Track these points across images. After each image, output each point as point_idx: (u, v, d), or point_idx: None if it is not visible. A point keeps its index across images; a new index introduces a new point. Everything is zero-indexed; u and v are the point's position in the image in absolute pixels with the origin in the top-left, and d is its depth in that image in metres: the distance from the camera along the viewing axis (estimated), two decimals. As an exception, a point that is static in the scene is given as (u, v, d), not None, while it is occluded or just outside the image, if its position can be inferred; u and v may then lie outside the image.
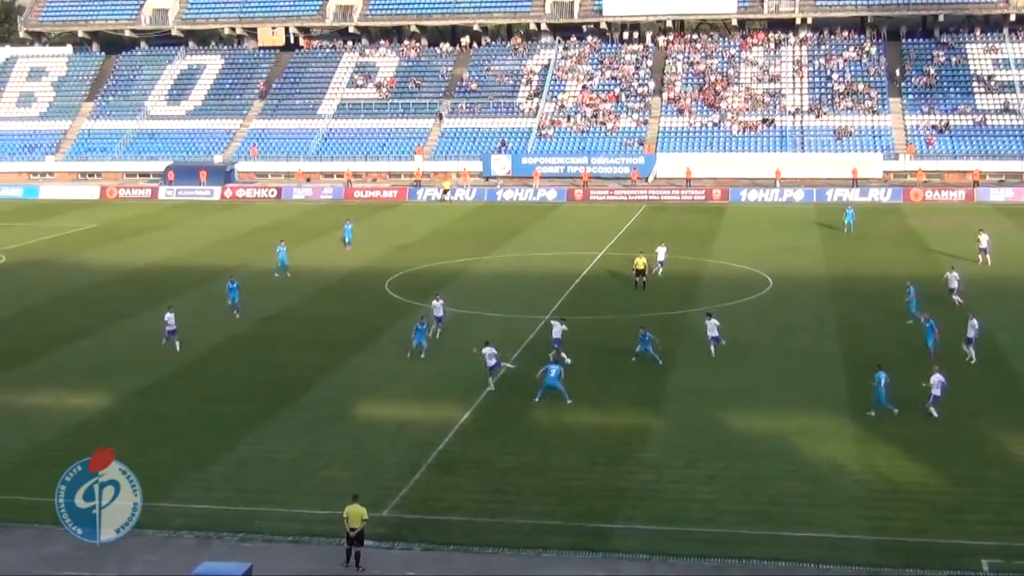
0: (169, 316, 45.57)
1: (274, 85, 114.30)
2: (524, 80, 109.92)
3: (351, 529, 26.98)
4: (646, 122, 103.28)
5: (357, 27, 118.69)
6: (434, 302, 47.69)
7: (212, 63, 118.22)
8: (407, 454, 33.86)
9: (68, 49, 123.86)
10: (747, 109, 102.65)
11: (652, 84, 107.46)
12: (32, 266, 65.83)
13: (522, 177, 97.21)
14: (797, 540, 27.82)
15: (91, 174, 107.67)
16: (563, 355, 41.70)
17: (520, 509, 29.94)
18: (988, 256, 60.27)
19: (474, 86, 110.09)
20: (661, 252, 59.31)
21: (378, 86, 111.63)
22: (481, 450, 34.24)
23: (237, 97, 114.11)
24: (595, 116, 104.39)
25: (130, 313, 52.55)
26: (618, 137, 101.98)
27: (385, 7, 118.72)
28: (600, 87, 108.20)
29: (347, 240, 68.21)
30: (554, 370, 38.42)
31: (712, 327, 43.45)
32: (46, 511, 29.82)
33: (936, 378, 36.30)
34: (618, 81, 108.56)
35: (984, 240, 60.78)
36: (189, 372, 43.20)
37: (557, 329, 43.32)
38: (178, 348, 45.15)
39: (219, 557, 26.97)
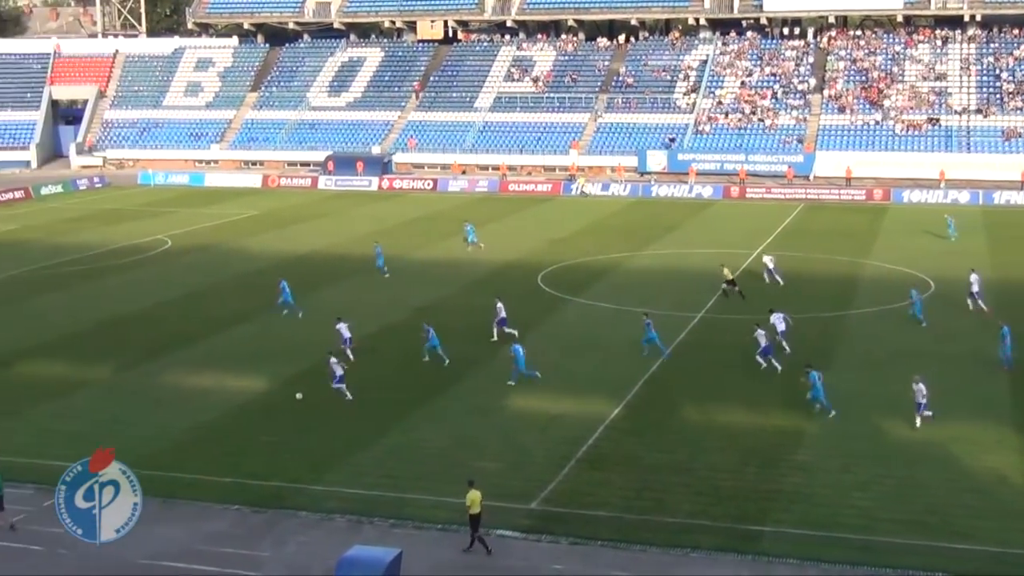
0: (342, 326, 44.28)
1: (432, 78, 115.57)
2: (681, 75, 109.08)
3: (475, 515, 27.42)
4: (805, 119, 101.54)
5: (515, 21, 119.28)
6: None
7: (372, 55, 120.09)
8: (556, 448, 33.97)
9: (234, 40, 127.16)
10: (911, 108, 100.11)
11: (812, 81, 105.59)
12: (195, 251, 67.80)
13: (678, 173, 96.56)
14: (956, 552, 27.09)
15: (254, 163, 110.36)
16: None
17: (669, 507, 29.79)
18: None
19: (631, 81, 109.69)
20: (769, 261, 57.35)
21: (535, 80, 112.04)
22: (631, 446, 34.16)
23: (396, 89, 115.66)
24: (753, 113, 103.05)
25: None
26: (776, 134, 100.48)
27: (543, 1, 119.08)
28: (759, 83, 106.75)
29: (471, 240, 68.32)
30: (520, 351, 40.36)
31: (780, 320, 43.43)
32: (207, 489, 30.99)
33: (919, 387, 35.59)
34: (777, 77, 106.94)
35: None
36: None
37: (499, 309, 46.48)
38: (351, 357, 42.87)
39: (370, 541, 27.45)
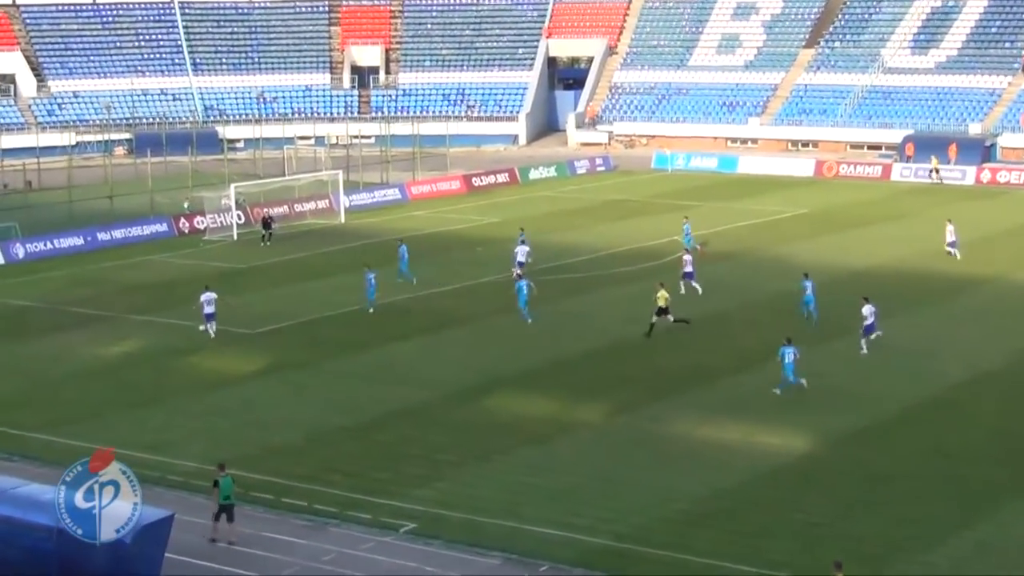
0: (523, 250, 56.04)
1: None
2: None
3: None
4: None
5: None
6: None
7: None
8: None
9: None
10: None
11: None
12: (723, 260, 68.73)
13: None
14: None
15: (805, 143, 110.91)
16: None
17: None
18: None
19: None
20: (949, 231, 67.89)
21: None
22: None
23: (1006, 45, 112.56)
24: None
25: (843, 330, 53.33)
26: None
27: None
28: None
29: (687, 244, 67.17)
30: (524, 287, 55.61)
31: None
32: (720, 580, 31.17)
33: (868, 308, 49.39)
34: None
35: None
36: (919, 415, 43.25)
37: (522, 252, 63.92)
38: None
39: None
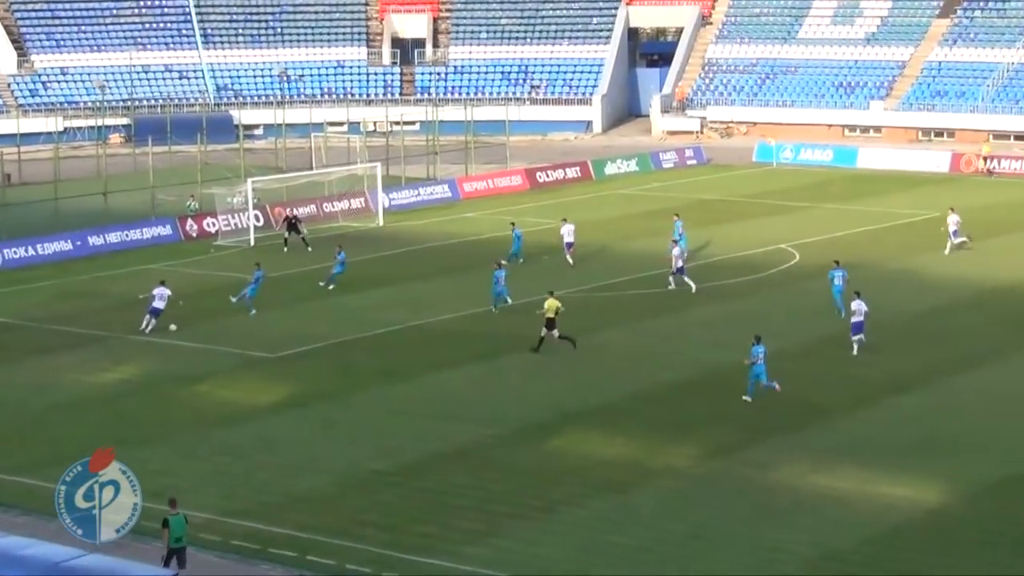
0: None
1: None
2: None
3: None
4: None
5: None
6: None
7: None
8: None
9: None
10: None
11: None
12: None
13: None
14: None
15: (939, 132, 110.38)
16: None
17: None
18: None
19: None
20: (952, 222, 71.92)
21: None
22: None
23: None
24: None
25: (980, 359, 53.17)
26: None
27: None
28: None
29: (680, 243, 66.90)
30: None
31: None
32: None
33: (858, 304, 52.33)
34: None
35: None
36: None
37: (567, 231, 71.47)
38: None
39: None
